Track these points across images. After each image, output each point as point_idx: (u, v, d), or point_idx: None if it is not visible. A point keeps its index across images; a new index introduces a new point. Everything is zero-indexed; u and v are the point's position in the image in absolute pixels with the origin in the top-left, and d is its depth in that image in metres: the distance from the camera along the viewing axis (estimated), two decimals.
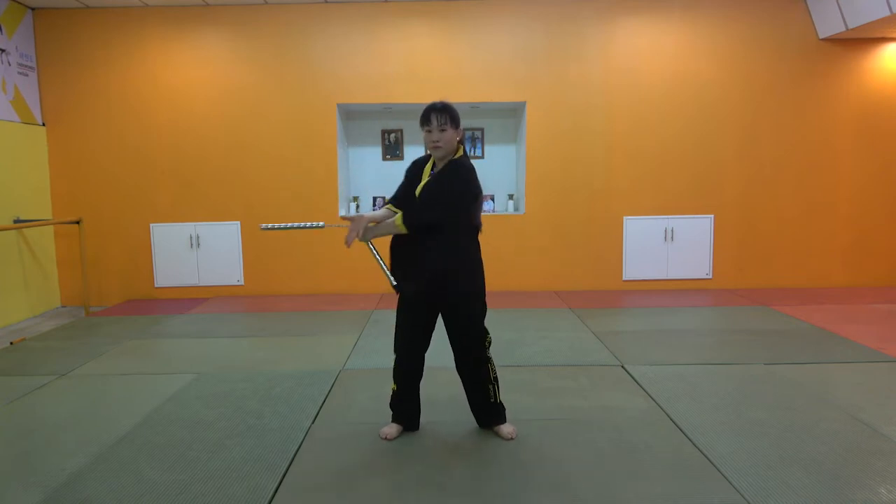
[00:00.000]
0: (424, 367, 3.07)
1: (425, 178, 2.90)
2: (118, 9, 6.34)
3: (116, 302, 6.66)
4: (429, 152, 2.93)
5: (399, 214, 2.79)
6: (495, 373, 3.03)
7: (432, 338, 3.02)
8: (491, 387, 3.01)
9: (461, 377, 3.04)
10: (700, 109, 6.51)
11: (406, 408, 3.06)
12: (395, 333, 3.02)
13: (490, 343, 3.00)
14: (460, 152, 2.91)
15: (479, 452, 2.87)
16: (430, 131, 2.82)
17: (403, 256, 2.87)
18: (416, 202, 2.83)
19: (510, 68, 6.47)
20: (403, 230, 2.77)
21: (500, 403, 3.06)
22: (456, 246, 2.81)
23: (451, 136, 2.83)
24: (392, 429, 3.03)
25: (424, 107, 2.87)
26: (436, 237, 2.77)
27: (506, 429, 3.01)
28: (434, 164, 2.93)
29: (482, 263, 2.94)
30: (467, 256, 2.86)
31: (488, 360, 3.00)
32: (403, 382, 3.03)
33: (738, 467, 2.67)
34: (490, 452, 2.87)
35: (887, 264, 6.71)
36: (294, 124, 6.52)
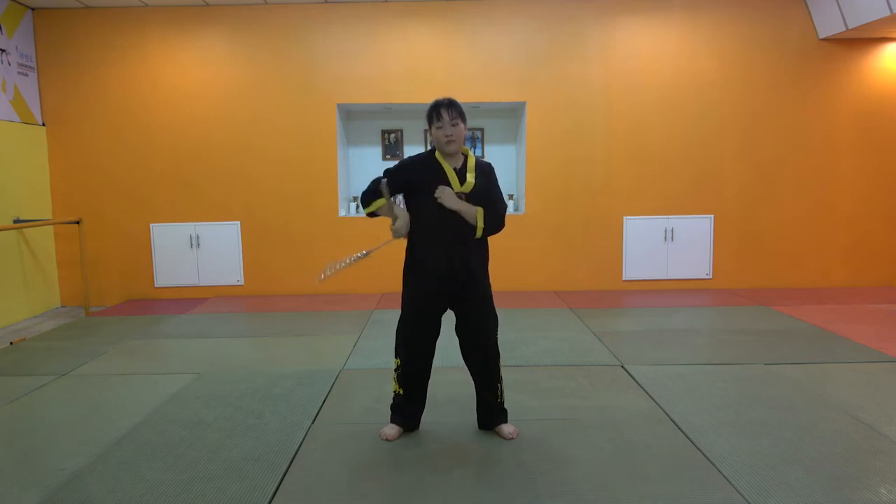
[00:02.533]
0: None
1: (454, 178, 2.84)
2: (118, 9, 6.34)
3: (116, 302, 6.66)
4: (431, 148, 2.95)
5: (482, 214, 2.82)
6: (502, 372, 3.05)
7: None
8: (499, 384, 3.03)
9: (475, 375, 3.04)
10: (700, 109, 6.51)
11: (410, 410, 3.06)
12: (400, 338, 3.00)
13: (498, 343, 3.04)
14: (470, 153, 2.95)
15: (480, 452, 2.87)
16: (441, 127, 2.82)
17: (444, 250, 2.86)
18: (492, 213, 2.85)
19: (510, 68, 6.47)
20: (480, 227, 2.84)
21: (503, 403, 3.06)
22: (485, 243, 2.98)
23: (462, 130, 2.85)
24: (393, 430, 3.03)
25: (427, 106, 2.87)
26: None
27: (507, 428, 3.01)
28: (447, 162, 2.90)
29: None
30: (487, 254, 3.02)
31: (498, 356, 3.01)
32: (411, 385, 3.02)
33: (738, 467, 2.67)
34: (490, 452, 2.87)
35: (887, 264, 6.71)
36: (294, 124, 6.52)
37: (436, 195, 2.78)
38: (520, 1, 6.42)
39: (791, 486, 2.52)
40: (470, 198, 2.83)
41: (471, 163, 2.90)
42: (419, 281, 2.92)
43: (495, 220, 2.88)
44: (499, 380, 3.03)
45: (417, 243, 2.92)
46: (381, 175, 2.92)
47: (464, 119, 2.86)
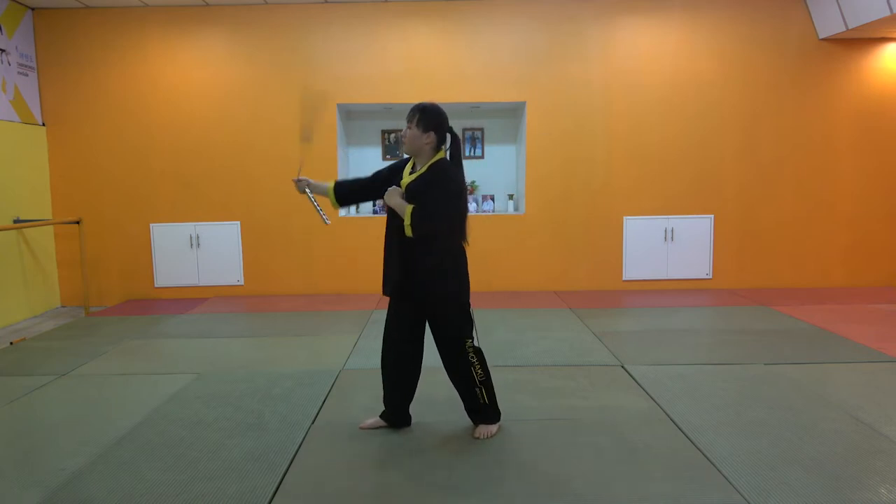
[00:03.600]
0: (421, 368, 3.10)
1: (406, 178, 2.92)
2: (118, 9, 6.34)
3: (116, 302, 6.66)
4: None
5: (410, 211, 2.76)
6: (483, 377, 2.99)
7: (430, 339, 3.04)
8: (477, 390, 2.99)
9: (451, 378, 3.06)
10: (700, 109, 6.51)
11: (388, 398, 3.11)
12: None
13: (473, 349, 2.95)
14: (439, 156, 2.89)
15: (479, 452, 2.87)
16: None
17: (392, 254, 2.91)
18: (419, 211, 2.76)
19: (510, 68, 6.47)
20: (408, 231, 2.76)
21: (490, 405, 3.03)
22: (437, 248, 2.83)
23: (414, 135, 2.85)
24: (371, 419, 3.15)
25: None
26: (423, 239, 2.81)
27: (480, 429, 3.02)
28: (413, 165, 2.96)
29: (463, 268, 2.93)
30: (446, 259, 2.85)
31: (470, 364, 2.95)
32: (386, 375, 3.08)
33: (738, 467, 2.67)
34: (490, 452, 2.87)
35: (887, 264, 6.71)
36: (294, 124, 6.51)
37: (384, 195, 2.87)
38: (520, 1, 6.42)
39: (791, 486, 2.52)
40: (404, 197, 2.85)
41: (424, 167, 2.88)
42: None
43: (420, 218, 2.74)
44: (477, 385, 2.99)
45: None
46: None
47: (422, 125, 2.83)
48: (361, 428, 3.13)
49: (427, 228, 2.77)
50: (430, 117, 2.84)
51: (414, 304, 2.94)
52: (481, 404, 3.02)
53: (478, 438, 2.98)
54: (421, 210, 2.76)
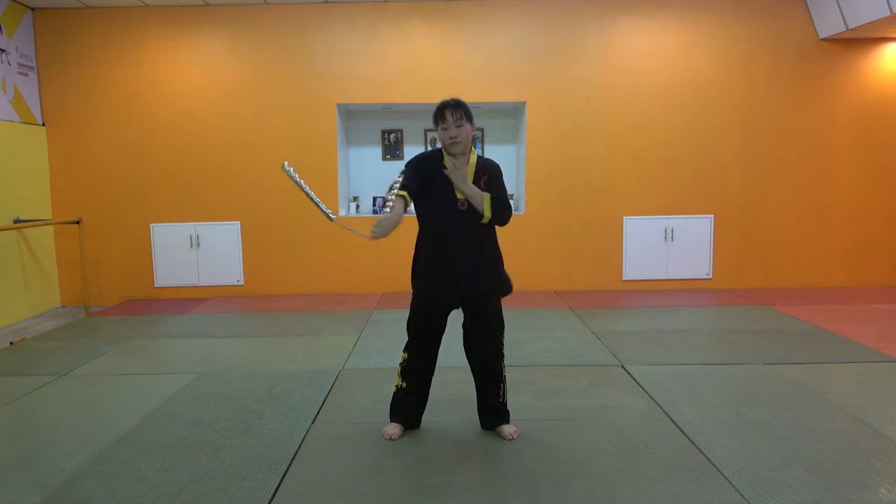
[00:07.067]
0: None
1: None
2: (118, 9, 6.34)
3: (116, 302, 6.66)
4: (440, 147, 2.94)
5: (489, 198, 2.81)
6: (505, 372, 3.04)
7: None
8: (502, 385, 3.02)
9: (476, 374, 3.04)
10: (700, 109, 6.51)
11: (412, 405, 3.06)
12: (409, 333, 3.02)
13: (503, 342, 3.02)
14: (474, 152, 2.93)
15: (480, 452, 2.87)
16: (446, 128, 2.83)
17: (463, 256, 2.86)
18: (497, 199, 2.84)
19: (510, 68, 6.47)
20: (488, 213, 2.82)
21: (506, 404, 3.06)
22: (496, 237, 2.98)
23: (467, 130, 2.85)
24: (395, 428, 3.02)
25: (431, 106, 2.88)
26: (487, 230, 2.90)
27: (507, 429, 3.01)
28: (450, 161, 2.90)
29: None
30: (498, 248, 3.01)
31: (502, 357, 3.01)
32: (416, 380, 3.02)
33: (738, 467, 2.67)
34: (490, 452, 2.87)
35: (887, 264, 6.71)
36: (294, 124, 6.52)
37: (447, 172, 2.79)
38: (520, 1, 6.42)
39: (791, 486, 2.52)
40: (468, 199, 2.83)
41: (471, 164, 2.90)
42: (426, 278, 2.93)
43: (501, 207, 2.85)
44: (501, 380, 3.02)
45: (425, 241, 2.95)
46: (400, 176, 2.84)
47: (470, 119, 2.86)
48: (392, 439, 2.98)
49: (505, 217, 2.88)
50: (469, 109, 2.87)
51: (469, 301, 2.92)
52: (501, 402, 3.03)
53: (513, 439, 2.96)
54: (499, 199, 2.84)
